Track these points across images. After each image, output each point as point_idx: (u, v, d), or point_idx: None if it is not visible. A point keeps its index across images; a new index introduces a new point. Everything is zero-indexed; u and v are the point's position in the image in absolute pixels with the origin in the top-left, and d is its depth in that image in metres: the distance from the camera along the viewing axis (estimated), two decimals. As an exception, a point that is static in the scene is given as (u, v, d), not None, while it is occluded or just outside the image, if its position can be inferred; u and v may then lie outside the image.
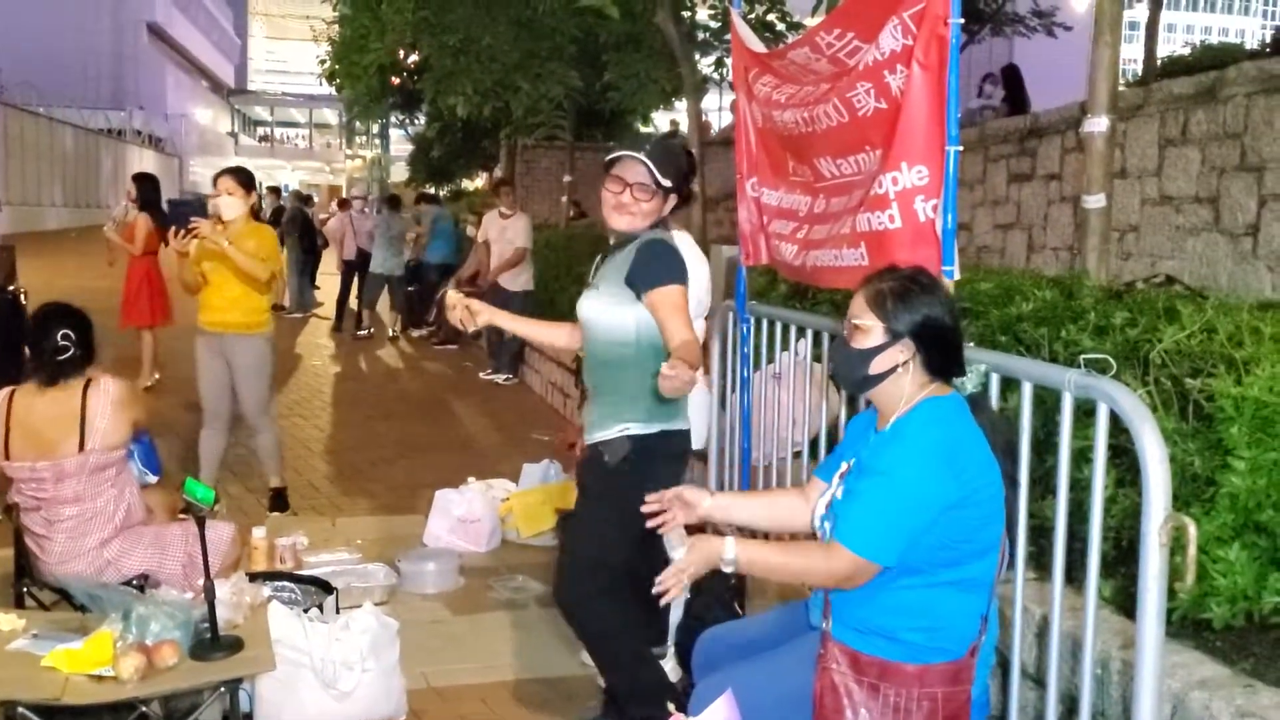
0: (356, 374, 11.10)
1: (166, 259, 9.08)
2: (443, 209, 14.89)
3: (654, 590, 2.39)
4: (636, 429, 3.15)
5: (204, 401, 5.67)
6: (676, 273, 3.10)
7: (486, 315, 3.36)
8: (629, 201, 3.14)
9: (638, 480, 3.08)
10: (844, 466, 2.51)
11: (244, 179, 5.59)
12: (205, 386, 5.65)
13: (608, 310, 3.17)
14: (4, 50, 34.91)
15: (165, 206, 5.59)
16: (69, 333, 3.65)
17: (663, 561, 3.53)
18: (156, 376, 9.04)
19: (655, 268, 3.08)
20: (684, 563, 2.35)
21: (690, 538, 2.41)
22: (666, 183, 3.15)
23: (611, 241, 3.30)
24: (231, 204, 5.47)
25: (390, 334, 13.59)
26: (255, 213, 5.76)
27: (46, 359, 3.66)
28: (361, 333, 13.40)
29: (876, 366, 2.38)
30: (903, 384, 2.38)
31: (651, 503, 2.61)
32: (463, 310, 3.29)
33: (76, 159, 33.49)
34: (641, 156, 3.13)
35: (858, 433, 2.58)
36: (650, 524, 2.59)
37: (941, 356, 2.38)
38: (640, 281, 3.08)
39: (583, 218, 15.22)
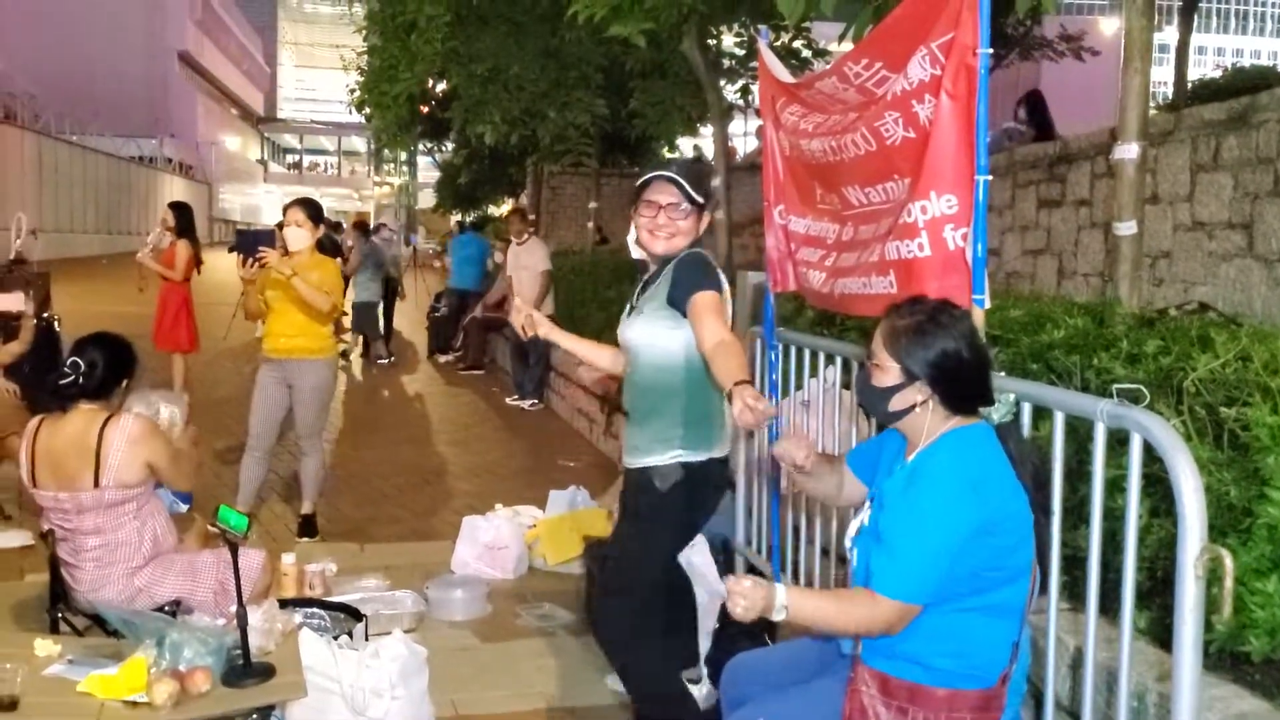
0: (382, 399, 11.17)
1: (199, 286, 9.21)
2: (472, 234, 14.95)
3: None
4: (688, 456, 3.17)
5: (252, 427, 5.76)
6: (711, 280, 3.12)
7: (546, 329, 3.42)
8: (665, 223, 3.19)
9: (686, 506, 3.19)
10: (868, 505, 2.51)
11: (312, 211, 5.71)
12: (258, 412, 5.74)
13: (653, 335, 3.20)
14: (37, 79, 35.53)
15: (235, 236, 5.72)
16: (78, 360, 3.70)
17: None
18: (186, 399, 9.12)
19: (692, 277, 3.12)
20: (740, 611, 2.24)
21: (746, 582, 2.32)
22: (700, 198, 3.19)
23: (652, 267, 3.31)
24: (299, 235, 5.59)
25: (386, 359, 13.65)
26: (321, 245, 5.84)
27: (51, 384, 3.71)
28: (382, 361, 13.50)
29: (895, 404, 2.40)
30: (924, 420, 2.38)
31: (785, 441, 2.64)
32: (526, 318, 3.36)
33: (109, 186, 33.99)
34: (671, 175, 3.18)
35: (890, 452, 2.57)
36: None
37: (961, 393, 2.38)
38: (680, 295, 3.11)
39: (605, 243, 15.31)
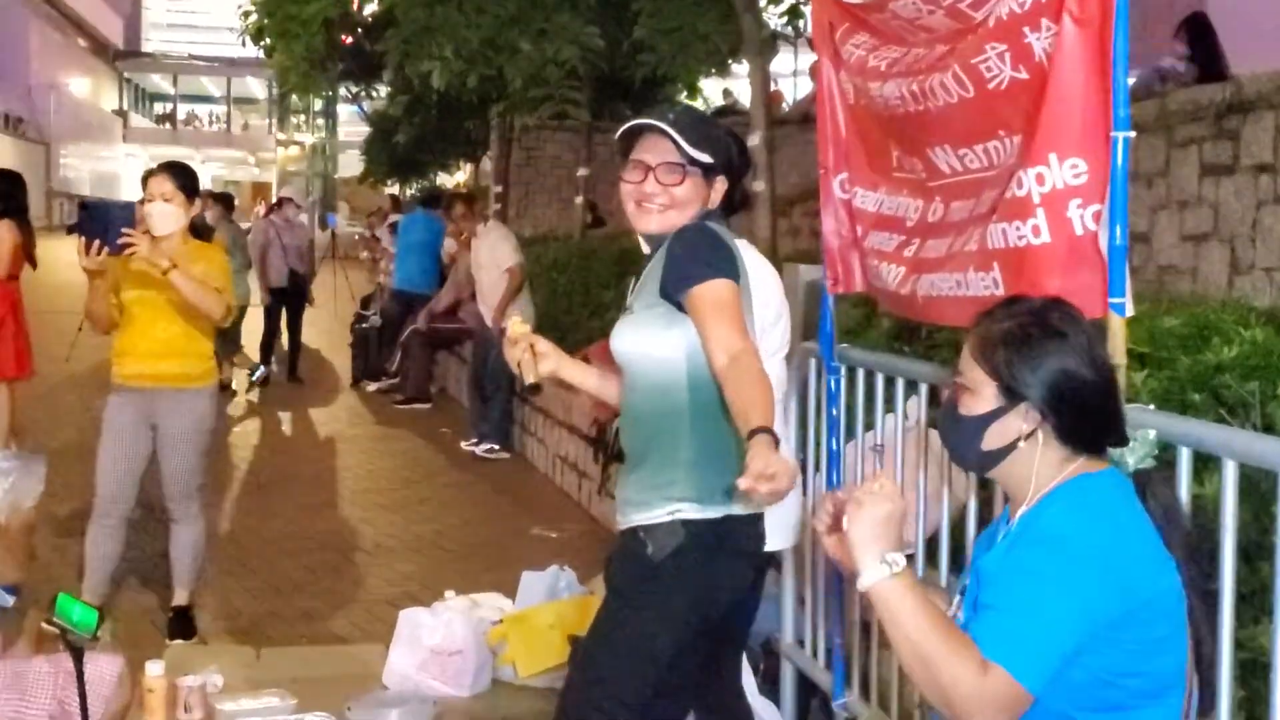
0: (288, 444, 11.19)
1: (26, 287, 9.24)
2: (425, 214, 14.91)
3: None
4: (691, 511, 3.10)
5: (102, 485, 5.71)
6: (720, 263, 3.09)
7: (554, 362, 3.35)
8: (654, 190, 3.18)
9: (686, 583, 3.10)
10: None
11: (184, 181, 5.64)
12: (110, 463, 5.68)
13: (644, 341, 3.18)
14: None
15: (77, 214, 5.62)
16: None
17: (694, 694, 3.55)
18: (14, 449, 9.14)
19: (691, 259, 3.09)
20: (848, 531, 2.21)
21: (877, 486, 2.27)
22: (701, 156, 3.17)
23: (647, 250, 3.32)
24: (167, 214, 5.51)
25: (262, 371, 13.85)
26: (194, 228, 5.81)
27: None
28: (255, 377, 13.66)
29: (991, 440, 2.38)
30: (1032, 462, 2.36)
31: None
32: (525, 350, 3.27)
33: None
34: (662, 125, 3.17)
35: (989, 531, 2.58)
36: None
37: (1083, 423, 2.36)
38: (673, 286, 3.09)
39: (599, 225, 15.29)
